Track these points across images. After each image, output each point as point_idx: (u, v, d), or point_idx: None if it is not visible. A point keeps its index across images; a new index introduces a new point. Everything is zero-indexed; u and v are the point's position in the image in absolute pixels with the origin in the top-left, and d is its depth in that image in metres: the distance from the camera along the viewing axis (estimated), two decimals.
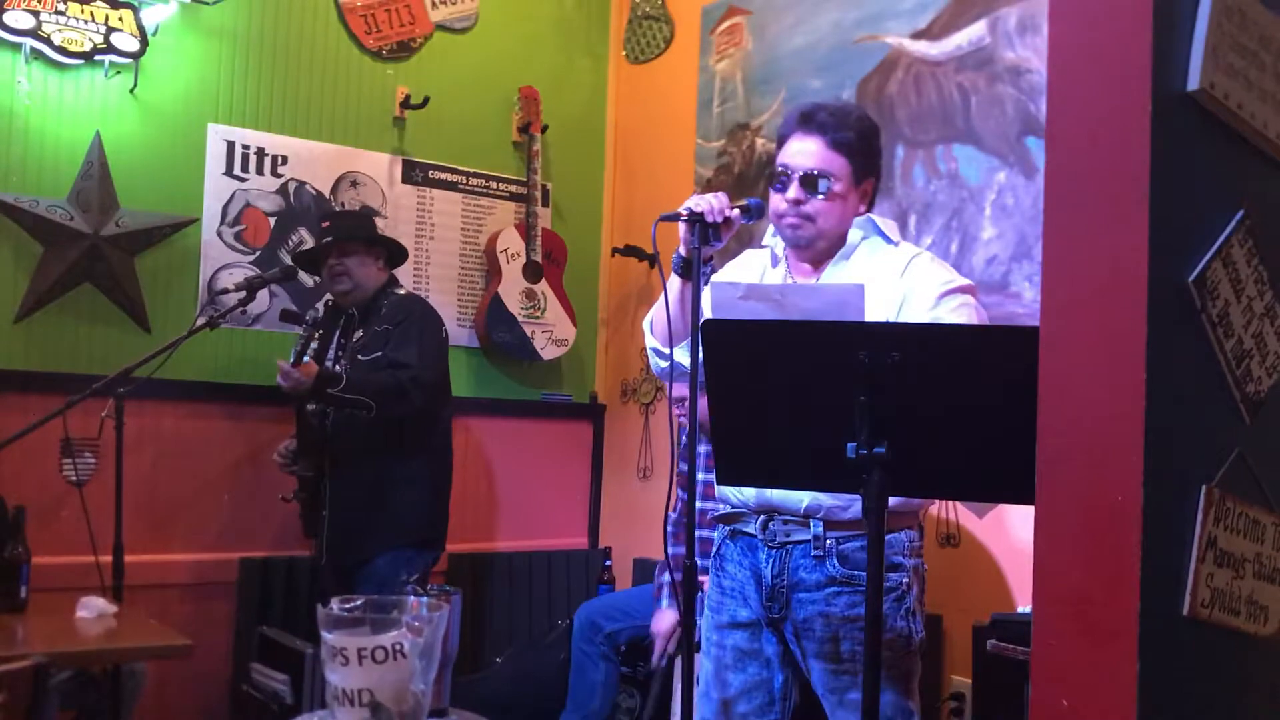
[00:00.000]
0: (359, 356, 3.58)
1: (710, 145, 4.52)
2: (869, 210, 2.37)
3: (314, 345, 3.56)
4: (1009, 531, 3.30)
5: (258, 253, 4.16)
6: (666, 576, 3.43)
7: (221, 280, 4.06)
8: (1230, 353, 1.32)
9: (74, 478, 3.66)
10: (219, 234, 4.10)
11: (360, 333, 3.64)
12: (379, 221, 4.37)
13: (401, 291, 3.77)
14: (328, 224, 3.77)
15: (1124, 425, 1.22)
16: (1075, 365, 1.27)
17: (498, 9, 4.72)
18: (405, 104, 4.44)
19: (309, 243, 4.17)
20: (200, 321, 3.67)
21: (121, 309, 3.90)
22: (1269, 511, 1.35)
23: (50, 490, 3.66)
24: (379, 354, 3.55)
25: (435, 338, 3.68)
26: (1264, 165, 1.36)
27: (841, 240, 2.33)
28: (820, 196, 2.26)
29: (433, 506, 3.72)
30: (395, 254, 3.82)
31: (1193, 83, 1.25)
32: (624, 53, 4.95)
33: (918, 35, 3.64)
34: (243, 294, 3.63)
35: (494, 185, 4.72)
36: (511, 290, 4.58)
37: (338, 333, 3.70)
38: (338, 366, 3.55)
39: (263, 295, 4.07)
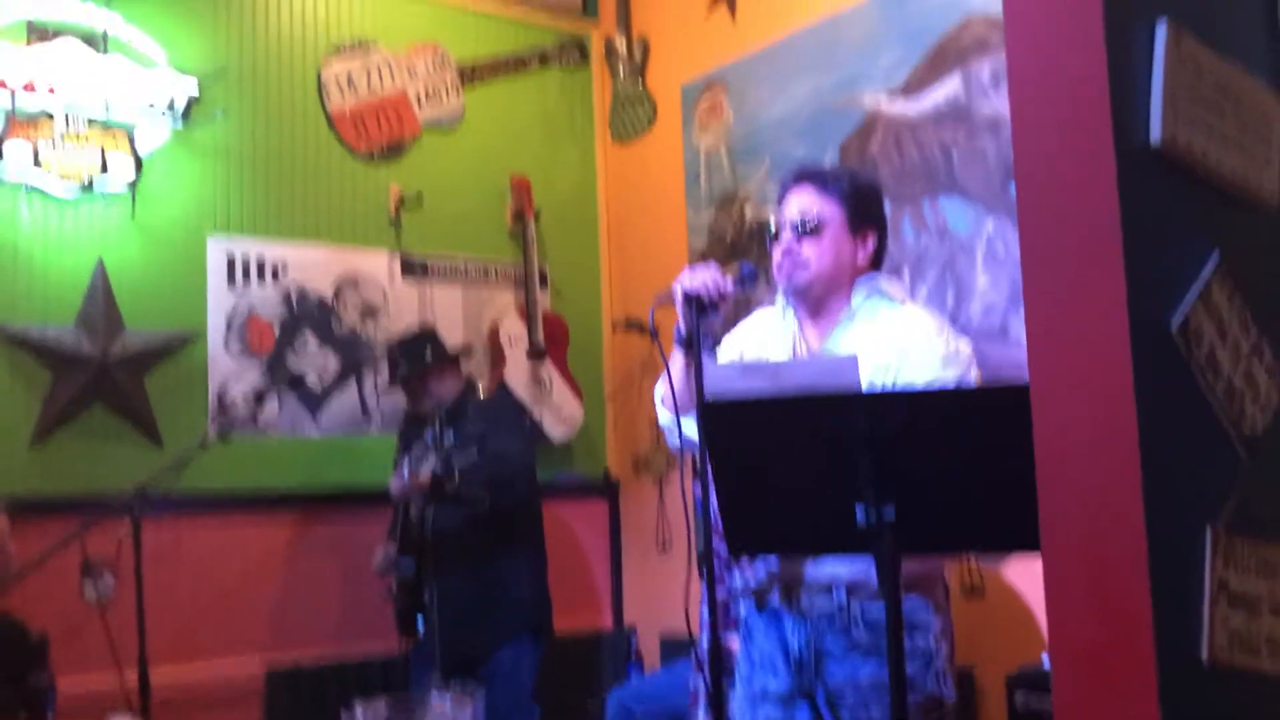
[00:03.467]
0: (453, 457, 3.71)
1: (701, 216, 4.58)
2: (875, 268, 2.38)
3: (418, 455, 3.70)
4: (1035, 575, 3.28)
5: (264, 360, 4.21)
6: (700, 682, 3.37)
7: (230, 390, 4.10)
8: (1221, 394, 1.33)
9: (95, 599, 3.67)
10: (225, 345, 4.15)
11: (452, 435, 3.80)
12: (384, 320, 4.44)
13: (482, 393, 4.03)
14: (400, 355, 3.96)
15: (1121, 474, 1.23)
16: (1067, 420, 1.29)
17: (483, 104, 4.81)
18: (400, 202, 4.51)
19: (313, 344, 4.26)
20: (211, 434, 3.70)
21: (133, 426, 3.94)
22: (1278, 547, 1.35)
23: (72, 613, 3.67)
24: (474, 452, 3.70)
25: (525, 430, 3.97)
26: (1234, 208, 1.39)
27: (843, 292, 2.33)
28: (812, 240, 2.28)
29: (541, 593, 3.89)
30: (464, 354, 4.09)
31: (1155, 135, 1.28)
32: (609, 134, 5.04)
33: (894, 95, 3.70)
34: (252, 403, 3.68)
35: (492, 273, 4.77)
36: (517, 375, 4.61)
37: (432, 436, 3.84)
38: (436, 470, 3.68)
39: (271, 402, 4.13)
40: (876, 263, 2.37)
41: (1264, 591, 1.32)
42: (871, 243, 2.34)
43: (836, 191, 2.31)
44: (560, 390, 4.73)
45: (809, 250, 2.29)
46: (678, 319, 2.26)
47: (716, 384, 2.04)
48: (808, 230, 2.29)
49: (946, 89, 3.52)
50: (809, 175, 2.35)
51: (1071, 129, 1.29)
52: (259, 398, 3.71)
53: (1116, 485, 1.24)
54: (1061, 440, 1.29)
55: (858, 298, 2.31)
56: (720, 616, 3.18)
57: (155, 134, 4.03)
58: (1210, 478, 1.31)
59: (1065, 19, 1.30)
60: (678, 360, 2.31)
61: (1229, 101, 1.36)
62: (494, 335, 4.65)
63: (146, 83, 3.96)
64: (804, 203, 2.32)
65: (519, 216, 4.75)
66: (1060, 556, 1.31)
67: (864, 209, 2.33)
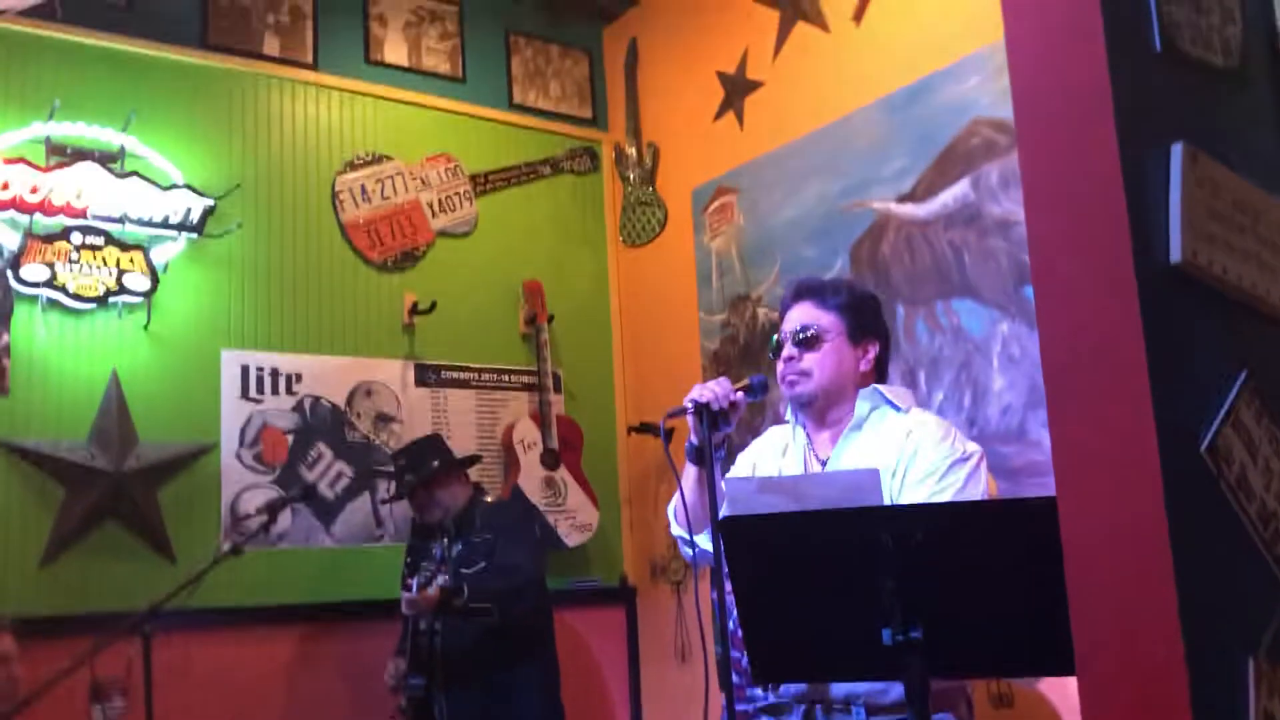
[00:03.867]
0: (461, 570, 3.67)
1: (714, 318, 4.58)
2: (878, 379, 2.39)
3: (429, 572, 3.61)
4: (1064, 685, 3.20)
5: (277, 471, 4.19)
6: None
7: (243, 503, 4.07)
8: (1255, 515, 1.30)
9: None
10: (238, 456, 4.13)
11: (460, 546, 3.76)
12: (397, 427, 4.42)
13: (490, 499, 3.97)
14: (403, 461, 3.91)
15: (1158, 601, 1.20)
16: (1099, 545, 1.26)
17: (496, 210, 4.86)
18: (414, 310, 4.53)
19: (327, 455, 4.24)
20: (225, 548, 3.65)
21: (146, 542, 3.90)
22: None
23: None
24: (482, 565, 3.66)
25: (536, 537, 3.91)
26: (1260, 324, 1.37)
27: (848, 402, 2.35)
28: (813, 351, 2.32)
29: (554, 705, 3.81)
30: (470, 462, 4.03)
31: (1175, 255, 1.28)
32: (621, 238, 5.08)
33: (903, 199, 3.72)
34: (265, 517, 3.65)
35: (506, 378, 4.77)
36: (531, 480, 4.58)
37: (436, 551, 3.78)
38: (444, 585, 3.61)
39: (284, 513, 4.10)
40: (881, 372, 2.39)
41: None
42: (873, 352, 2.37)
43: (835, 304, 2.36)
44: (575, 495, 4.69)
45: (810, 361, 2.33)
46: (689, 433, 2.26)
47: (736, 500, 2.01)
48: (809, 342, 2.32)
49: (955, 191, 3.54)
50: (808, 290, 2.41)
51: (1091, 250, 1.28)
52: (272, 510, 3.67)
53: (1154, 613, 1.20)
54: (1094, 568, 1.26)
55: (863, 406, 2.32)
56: None
57: (171, 248, 4.07)
58: (1248, 605, 1.28)
59: (1081, 144, 1.30)
60: (690, 474, 2.30)
61: (1248, 218, 1.35)
62: (508, 440, 4.63)
63: (162, 200, 4.01)
64: (804, 315, 2.37)
65: (532, 321, 4.76)
66: (1099, 688, 1.26)
67: (863, 319, 2.38)
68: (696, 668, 4.47)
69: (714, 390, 2.22)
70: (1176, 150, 1.29)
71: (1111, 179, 1.26)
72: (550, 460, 4.65)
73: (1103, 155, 1.27)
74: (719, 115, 4.60)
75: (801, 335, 2.34)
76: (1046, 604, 1.31)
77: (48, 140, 3.92)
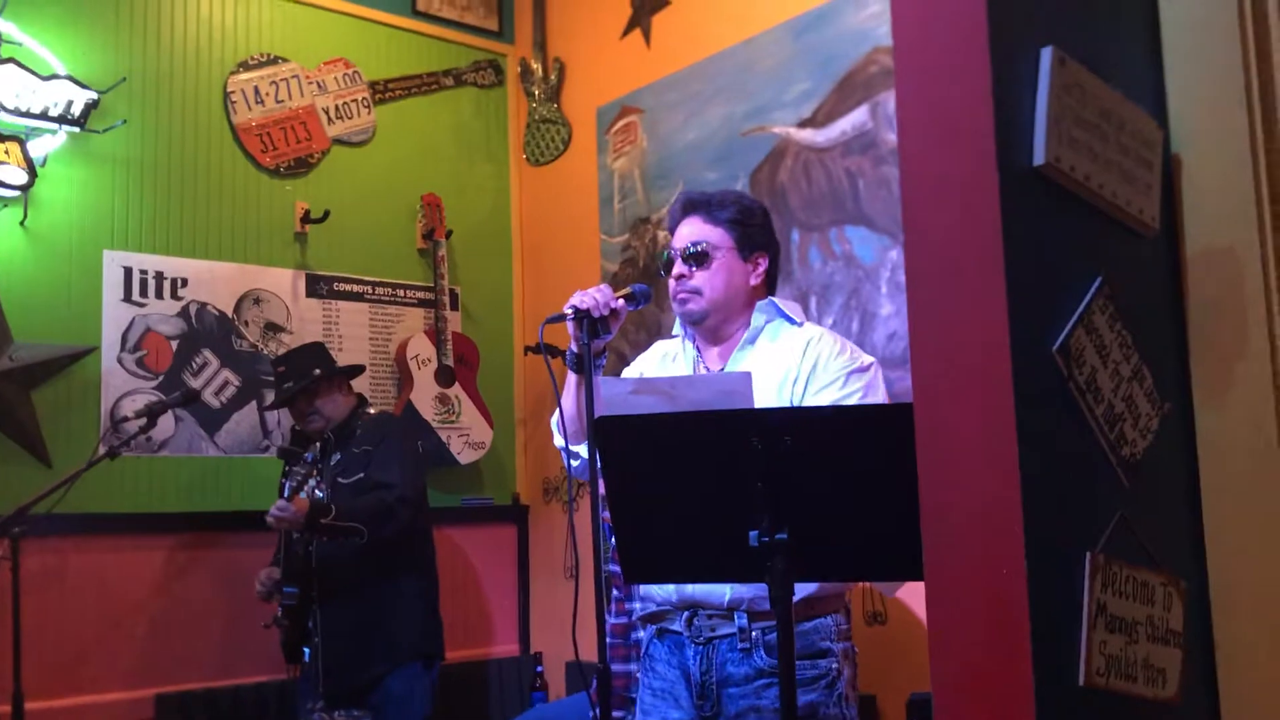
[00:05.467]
0: (339, 480, 3.62)
1: (614, 240, 4.56)
2: (770, 292, 2.40)
3: (300, 477, 3.53)
4: None
5: (160, 378, 4.08)
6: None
7: (124, 408, 3.97)
8: (1102, 418, 1.34)
9: None
10: (119, 361, 4.02)
11: (338, 455, 3.70)
12: (286, 338, 4.33)
13: (373, 410, 3.90)
14: (283, 369, 3.82)
15: (1002, 498, 1.22)
16: (949, 441, 1.28)
17: (395, 121, 4.75)
18: (306, 219, 4.42)
19: (213, 363, 4.16)
20: (101, 451, 3.57)
21: (19, 445, 3.79)
22: (1156, 572, 1.36)
23: None
24: (360, 475, 3.61)
25: (414, 454, 3.82)
26: (1117, 232, 1.40)
27: (741, 316, 2.36)
28: (703, 268, 2.31)
29: (430, 620, 3.79)
30: (353, 372, 3.96)
31: (1039, 157, 1.29)
32: (524, 156, 5.01)
33: (803, 124, 3.73)
34: (144, 420, 3.57)
35: (401, 293, 4.70)
36: (424, 397, 4.54)
37: (312, 457, 3.70)
38: (318, 491, 3.58)
39: (167, 420, 4.01)
40: (770, 285, 2.39)
41: (1141, 617, 1.32)
42: (763, 265, 2.37)
43: (724, 218, 2.35)
44: (470, 413, 4.66)
45: (700, 278, 2.32)
46: (569, 340, 2.25)
47: (610, 401, 2.01)
48: (698, 258, 2.31)
49: (853, 119, 3.55)
50: (696, 204, 2.39)
51: (956, 150, 1.29)
52: (151, 415, 3.58)
53: (997, 506, 1.23)
54: (943, 463, 1.28)
55: (758, 320, 2.32)
56: (623, 644, 3.16)
57: (50, 141, 3.90)
58: (1091, 502, 1.31)
59: (953, 45, 1.30)
60: (570, 383, 2.29)
61: (1112, 127, 1.37)
62: (402, 356, 4.58)
63: (42, 90, 3.84)
64: (693, 232, 2.35)
65: (429, 236, 4.69)
66: (942, 580, 1.30)
67: (752, 233, 2.37)
68: (586, 585, 4.51)
69: (595, 297, 2.21)
70: (1046, 54, 1.30)
71: (980, 80, 1.26)
72: (445, 377, 4.61)
73: (974, 56, 1.27)
74: (626, 33, 4.55)
75: (691, 251, 2.32)
76: (907, 509, 1.34)
77: None
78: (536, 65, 4.93)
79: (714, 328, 2.36)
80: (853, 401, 2.18)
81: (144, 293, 4.09)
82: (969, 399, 1.26)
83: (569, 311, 2.21)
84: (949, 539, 1.28)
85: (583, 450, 2.35)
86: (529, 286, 5.05)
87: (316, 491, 3.56)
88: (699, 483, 1.81)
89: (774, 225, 2.47)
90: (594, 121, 4.70)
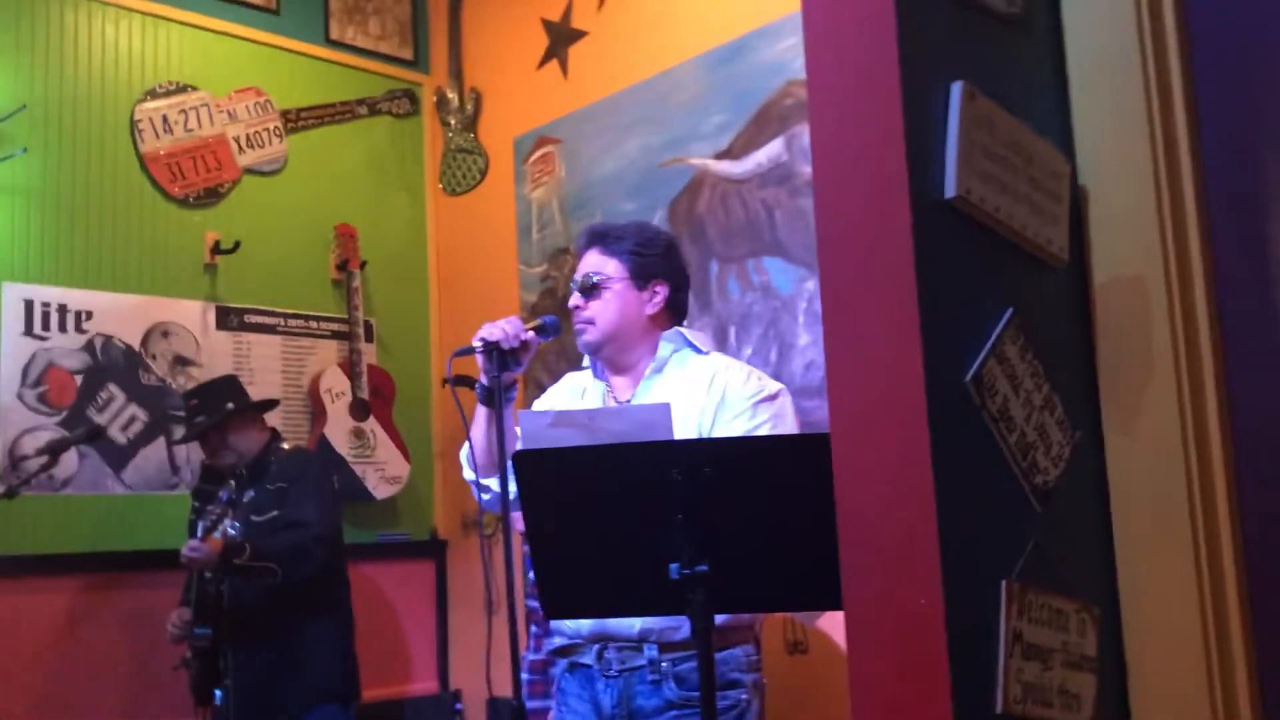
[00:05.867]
0: (252, 517, 3.53)
1: (533, 270, 4.54)
2: (679, 320, 2.41)
3: (214, 516, 3.42)
4: None
5: (63, 413, 3.95)
6: None
7: (24, 446, 3.83)
8: (1015, 446, 1.35)
9: None
10: (19, 397, 3.88)
11: (251, 492, 3.61)
12: (196, 371, 4.23)
13: (286, 446, 3.81)
14: (195, 402, 3.71)
15: (918, 527, 1.23)
16: (865, 471, 1.28)
17: (307, 150, 4.69)
18: (216, 249, 4.33)
19: (119, 398, 4.04)
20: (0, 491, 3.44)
21: None
22: (1069, 599, 1.37)
23: None
24: (275, 513, 3.52)
25: (330, 491, 3.73)
26: (1027, 263, 1.42)
27: (642, 345, 2.37)
28: (596, 298, 2.33)
29: (346, 659, 3.71)
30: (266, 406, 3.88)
31: (950, 190, 1.31)
32: (440, 185, 4.97)
33: (720, 156, 3.76)
34: (45, 458, 3.46)
35: (314, 324, 4.62)
36: (338, 430, 4.46)
37: (227, 496, 3.60)
38: (230, 529, 3.47)
39: (70, 457, 3.88)
40: (678, 312, 2.40)
41: (1056, 643, 1.34)
42: (662, 293, 2.38)
43: (620, 249, 2.37)
44: (385, 447, 4.59)
45: (593, 308, 2.34)
46: (479, 374, 2.24)
47: (529, 435, 1.99)
48: (589, 289, 2.33)
49: (769, 150, 3.59)
50: (596, 236, 2.42)
51: (869, 182, 1.30)
52: (53, 452, 3.46)
53: (914, 538, 1.24)
54: (859, 493, 1.29)
55: (665, 349, 2.33)
56: (543, 679, 3.13)
57: None
58: (1005, 529, 1.33)
59: (865, 78, 1.32)
60: (480, 416, 2.28)
61: (1021, 159, 1.40)
62: (315, 389, 4.49)
63: None
64: (589, 263, 2.38)
65: (343, 267, 4.62)
66: (860, 609, 1.30)
67: (650, 262, 2.38)
68: (502, 620, 4.45)
69: (504, 329, 2.20)
70: (956, 88, 1.32)
71: (892, 113, 1.28)
72: (359, 411, 4.54)
73: (885, 90, 1.29)
74: (543, 63, 4.55)
75: (586, 283, 2.34)
76: (826, 538, 1.34)
77: None
78: (453, 94, 4.91)
79: (611, 357, 2.38)
80: (763, 431, 2.19)
81: (46, 326, 3.97)
82: (884, 428, 1.27)
83: (478, 344, 2.20)
84: (866, 568, 1.29)
85: (494, 483, 2.32)
86: (446, 318, 5.00)
87: (229, 529, 3.46)
88: (619, 515, 1.79)
89: (691, 256, 2.49)
90: (511, 151, 4.68)
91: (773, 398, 2.24)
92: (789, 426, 2.25)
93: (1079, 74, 1.53)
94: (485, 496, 2.35)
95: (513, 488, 2.13)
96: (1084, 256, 1.50)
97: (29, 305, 3.94)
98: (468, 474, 2.39)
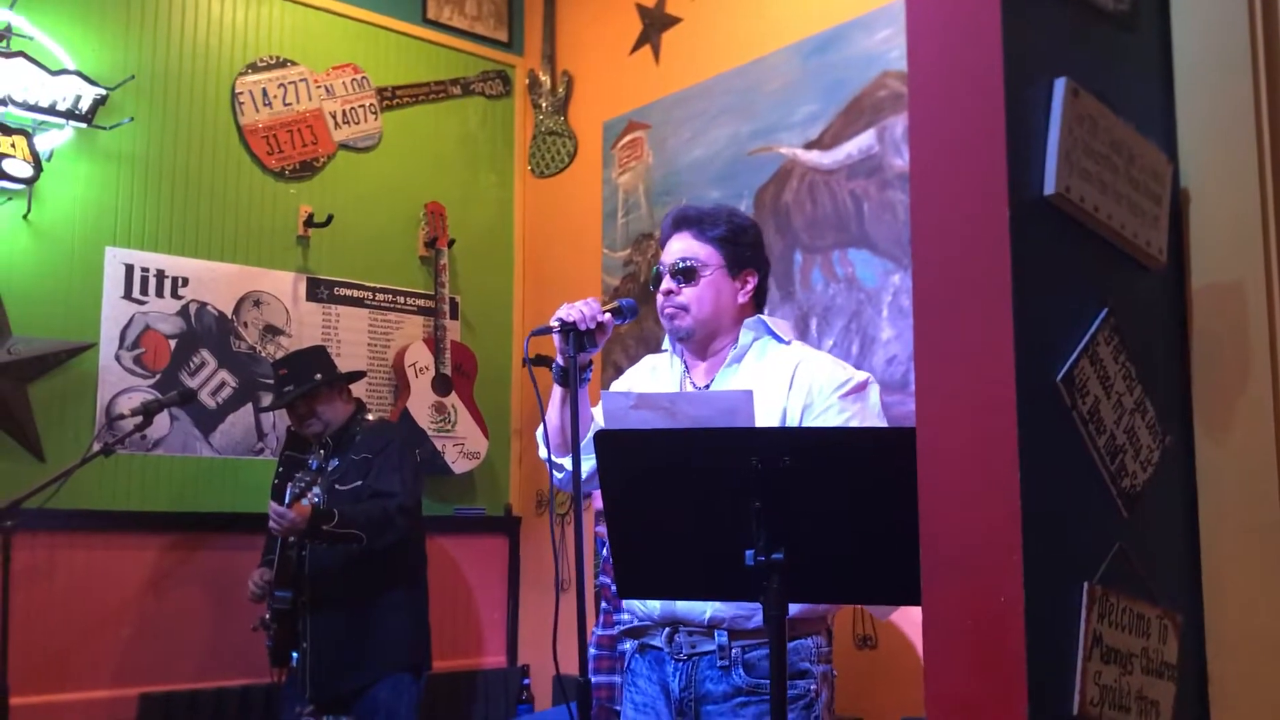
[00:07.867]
0: (337, 486, 3.62)
1: (616, 255, 4.56)
2: (759, 309, 2.40)
3: (304, 483, 3.52)
4: None
5: (157, 376, 4.08)
6: None
7: (119, 405, 3.96)
8: (1103, 448, 1.34)
9: None
10: (117, 358, 4.01)
11: (336, 461, 3.69)
12: (285, 340, 4.33)
13: (372, 417, 3.90)
14: (285, 371, 3.80)
15: (1002, 526, 1.22)
16: (951, 469, 1.28)
17: (401, 128, 4.76)
18: (309, 222, 4.43)
19: (211, 364, 4.16)
20: (95, 448, 3.56)
21: (14, 439, 3.78)
22: (1152, 605, 1.35)
23: None
24: (359, 483, 3.61)
25: (413, 463, 3.80)
26: (1124, 264, 1.40)
27: (729, 333, 2.35)
28: (691, 284, 2.31)
29: (419, 630, 3.78)
30: (353, 378, 3.96)
31: (1049, 187, 1.29)
32: (529, 167, 5.02)
33: (810, 145, 3.74)
34: (139, 419, 3.56)
35: (401, 300, 4.70)
36: (421, 405, 4.54)
37: (316, 465, 3.68)
38: (314, 497, 3.55)
39: (162, 419, 4.00)
40: (759, 303, 2.40)
41: (1136, 649, 1.32)
42: (752, 283, 2.37)
43: (714, 236, 2.35)
44: (465, 423, 4.66)
45: (688, 295, 2.32)
46: (556, 354, 2.25)
47: (611, 415, 2.01)
48: (686, 274, 2.31)
49: (860, 142, 3.56)
50: (687, 220, 2.38)
51: (967, 177, 1.29)
52: (147, 413, 3.57)
53: (997, 534, 1.23)
54: (945, 486, 1.28)
55: (746, 337, 2.33)
56: (609, 655, 3.16)
57: (57, 136, 3.90)
58: (1090, 532, 1.31)
59: (968, 73, 1.31)
60: (555, 395, 2.29)
61: (1122, 159, 1.38)
62: (399, 363, 4.57)
63: (50, 85, 3.84)
64: (682, 248, 2.35)
65: (432, 244, 4.69)
66: (939, 606, 1.29)
67: (742, 251, 2.36)
68: (574, 599, 4.50)
69: (581, 310, 2.21)
70: (1059, 85, 1.31)
71: (994, 108, 1.27)
72: (442, 386, 4.61)
73: (988, 85, 1.28)
74: (635, 48, 4.56)
75: (680, 267, 2.33)
76: (905, 533, 1.34)
77: None
78: (545, 77, 4.95)
79: (701, 343, 2.37)
80: (856, 421, 2.18)
81: (144, 291, 4.09)
82: (972, 426, 1.26)
83: (555, 324, 2.21)
84: (947, 565, 1.28)
85: (567, 463, 2.34)
86: (529, 298, 5.05)
87: (314, 497, 3.55)
88: (696, 499, 1.80)
89: (776, 245, 2.48)
90: (600, 135, 4.71)
91: (861, 387, 2.23)
92: (875, 417, 2.24)
93: (1185, 74, 1.50)
94: (559, 475, 2.37)
95: (586, 466, 2.18)
96: (1182, 260, 1.48)
97: (129, 270, 4.07)
98: (542, 452, 2.41)
